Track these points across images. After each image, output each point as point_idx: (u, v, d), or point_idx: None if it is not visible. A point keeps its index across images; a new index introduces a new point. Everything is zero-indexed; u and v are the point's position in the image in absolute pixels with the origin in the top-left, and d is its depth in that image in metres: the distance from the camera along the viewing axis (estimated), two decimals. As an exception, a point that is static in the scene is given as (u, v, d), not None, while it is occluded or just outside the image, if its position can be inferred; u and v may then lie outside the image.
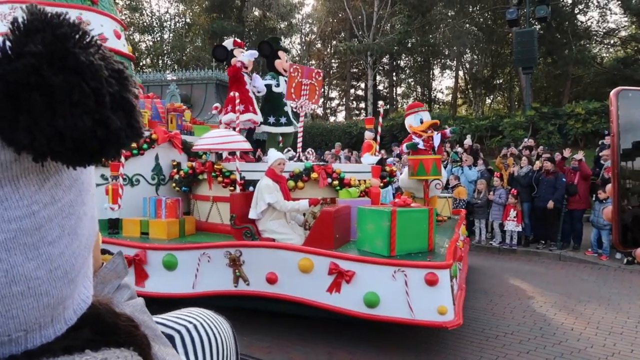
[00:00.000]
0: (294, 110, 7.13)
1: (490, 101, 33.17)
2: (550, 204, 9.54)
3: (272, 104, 7.40)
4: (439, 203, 7.80)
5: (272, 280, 5.12)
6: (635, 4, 24.76)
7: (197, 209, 7.00)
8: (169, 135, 7.21)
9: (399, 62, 32.46)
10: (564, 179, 9.65)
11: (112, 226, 6.43)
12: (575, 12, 27.20)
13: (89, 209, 0.51)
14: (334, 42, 32.77)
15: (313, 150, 7.58)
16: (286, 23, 33.61)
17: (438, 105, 32.62)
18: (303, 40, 36.26)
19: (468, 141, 13.44)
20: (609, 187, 0.69)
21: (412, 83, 34.41)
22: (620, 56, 27.67)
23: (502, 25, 25.66)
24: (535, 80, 26.30)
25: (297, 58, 34.34)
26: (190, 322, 0.73)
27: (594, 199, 9.68)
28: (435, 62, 32.28)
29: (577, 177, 9.78)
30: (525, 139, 15.02)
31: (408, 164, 7.37)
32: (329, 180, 6.31)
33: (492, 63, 29.58)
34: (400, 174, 8.28)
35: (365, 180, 6.64)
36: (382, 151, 7.46)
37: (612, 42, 28.80)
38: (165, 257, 5.50)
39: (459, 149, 13.38)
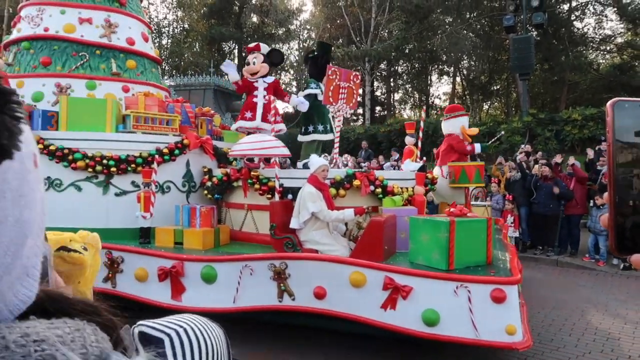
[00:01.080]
0: (332, 114, 6.77)
1: (487, 107, 33.02)
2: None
3: (320, 112, 7.05)
4: (478, 212, 7.41)
5: (320, 295, 4.73)
6: (631, 10, 24.84)
7: (230, 217, 6.62)
8: (200, 141, 6.85)
9: (396, 68, 32.22)
10: (564, 184, 9.45)
11: (143, 235, 6.06)
12: (572, 18, 27.34)
13: (8, 215, 0.48)
14: (332, 48, 32.62)
15: (352, 157, 7.20)
16: (284, 29, 33.49)
17: (435, 111, 32.30)
18: (301, 46, 35.93)
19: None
20: (606, 194, 0.71)
21: (410, 89, 34.20)
22: (617, 62, 27.73)
23: (499, 31, 25.45)
24: (532, 87, 26.27)
25: (295, 64, 34.45)
26: (181, 326, 0.73)
27: (591, 204, 9.45)
28: (432, 68, 31.95)
29: (573, 182, 9.63)
30: (523, 145, 14.83)
31: (448, 171, 6.97)
32: (372, 187, 5.94)
33: (489, 69, 29.61)
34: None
35: (407, 188, 6.25)
36: (424, 158, 7.00)
37: (608, 48, 28.88)
38: (204, 269, 5.12)
39: None
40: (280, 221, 5.65)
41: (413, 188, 6.26)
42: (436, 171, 7.03)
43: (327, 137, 7.19)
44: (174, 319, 0.76)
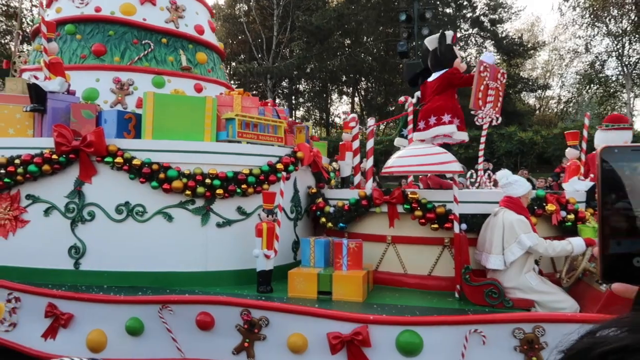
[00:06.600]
0: (478, 120, 5.24)
1: (384, 127, 33.54)
2: None
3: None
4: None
5: (595, 372, 3.15)
6: (505, 44, 27.15)
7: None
8: (314, 154, 5.13)
9: (298, 86, 32.20)
10: None
11: (264, 281, 4.25)
12: (457, 48, 29.38)
13: None
14: (234, 64, 31.89)
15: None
16: (185, 41, 32.17)
17: (335, 129, 32.59)
18: (202, 58, 34.89)
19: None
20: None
21: (311, 107, 34.13)
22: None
23: (394, 56, 25.97)
24: (424, 109, 27.91)
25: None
26: None
27: None
28: (332, 88, 32.21)
29: None
30: None
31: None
32: (563, 213, 4.45)
33: (385, 91, 30.43)
34: None
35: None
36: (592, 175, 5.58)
37: (489, 74, 31.93)
38: (402, 336, 3.39)
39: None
40: (470, 261, 4.05)
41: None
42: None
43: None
44: None
